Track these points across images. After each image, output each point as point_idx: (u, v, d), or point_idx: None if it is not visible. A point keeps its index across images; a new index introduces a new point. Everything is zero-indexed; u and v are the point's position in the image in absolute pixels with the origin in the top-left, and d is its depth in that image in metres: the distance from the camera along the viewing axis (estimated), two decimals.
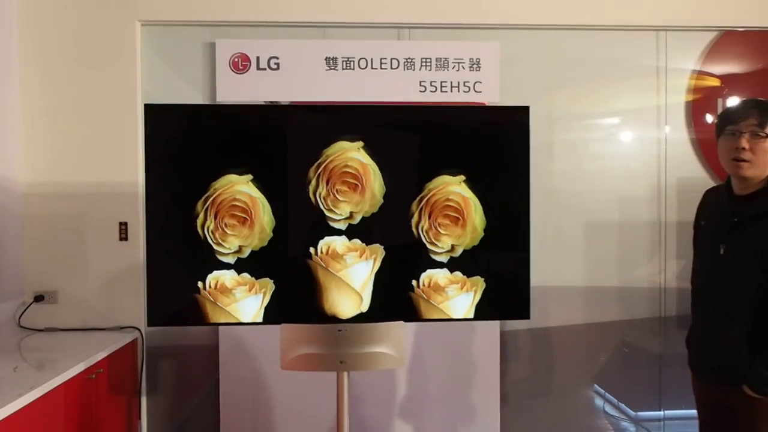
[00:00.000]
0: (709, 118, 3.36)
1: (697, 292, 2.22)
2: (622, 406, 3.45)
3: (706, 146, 3.33)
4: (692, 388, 2.27)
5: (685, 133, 3.37)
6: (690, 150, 3.37)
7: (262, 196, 2.02)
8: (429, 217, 2.06)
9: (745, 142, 1.96)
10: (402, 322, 2.08)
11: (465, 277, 2.10)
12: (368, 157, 2.04)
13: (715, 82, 3.37)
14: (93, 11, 3.09)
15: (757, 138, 1.96)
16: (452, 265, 2.09)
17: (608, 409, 3.45)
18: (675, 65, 3.36)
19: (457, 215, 2.07)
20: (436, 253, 2.08)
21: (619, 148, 3.41)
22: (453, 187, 2.07)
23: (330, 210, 2.03)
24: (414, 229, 2.07)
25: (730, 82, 3.36)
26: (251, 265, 2.04)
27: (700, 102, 3.36)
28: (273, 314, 2.05)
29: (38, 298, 3.07)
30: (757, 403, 1.96)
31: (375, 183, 2.04)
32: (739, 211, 2.02)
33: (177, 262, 2.07)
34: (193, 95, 3.18)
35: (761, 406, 1.96)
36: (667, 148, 3.36)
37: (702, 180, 3.32)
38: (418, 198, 2.06)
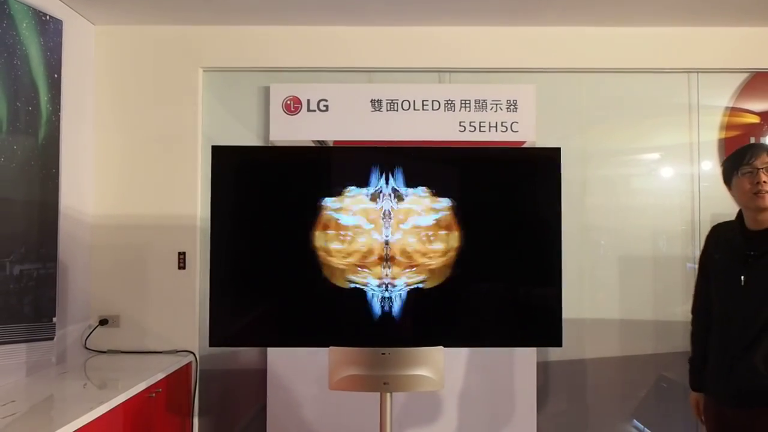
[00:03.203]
0: None
1: (718, 321, 2.30)
2: None
3: None
4: (705, 415, 2.37)
5: (719, 169, 3.41)
6: (723, 186, 3.40)
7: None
8: None
9: (764, 176, 2.13)
10: (441, 347, 2.23)
11: None
12: None
13: (749, 119, 3.44)
14: (160, 59, 3.38)
15: None
16: None
17: None
18: (707, 103, 3.45)
19: None
20: None
21: (653, 184, 3.49)
22: None
23: None
24: None
25: (764, 119, 3.43)
26: None
27: (733, 138, 3.42)
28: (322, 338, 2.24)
29: (103, 322, 3.30)
30: None
31: None
32: (756, 245, 2.16)
33: (237, 296, 2.28)
34: (248, 135, 3.41)
35: None
36: (700, 185, 3.43)
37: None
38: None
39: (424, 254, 2.24)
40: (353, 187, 2.25)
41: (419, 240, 2.24)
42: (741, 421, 2.19)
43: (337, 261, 2.24)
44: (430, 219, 2.25)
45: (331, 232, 2.24)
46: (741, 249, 2.19)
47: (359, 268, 2.24)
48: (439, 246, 2.25)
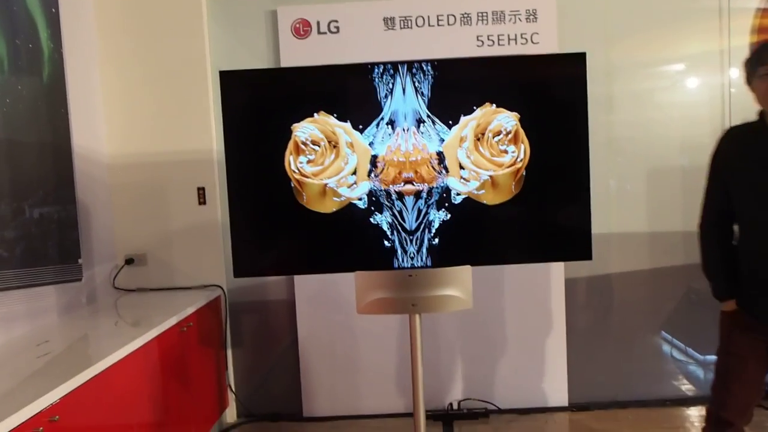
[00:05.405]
0: None
1: (746, 230, 2.16)
2: (690, 350, 3.47)
3: None
4: (729, 328, 2.25)
5: None
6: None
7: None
8: None
9: None
10: (468, 266, 2.19)
11: None
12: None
13: None
14: None
15: None
16: None
17: (676, 354, 3.48)
18: (738, 5, 3.25)
19: None
20: None
21: (682, 94, 3.35)
22: None
23: None
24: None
25: None
26: None
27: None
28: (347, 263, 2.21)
29: (129, 261, 3.32)
30: None
31: None
32: None
33: (256, 221, 2.24)
34: (258, 62, 3.30)
35: None
36: (731, 92, 3.28)
37: None
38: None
39: (461, 168, 2.18)
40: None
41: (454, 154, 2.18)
42: None
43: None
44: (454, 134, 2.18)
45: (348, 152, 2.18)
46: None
47: (383, 189, 2.19)
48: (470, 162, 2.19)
